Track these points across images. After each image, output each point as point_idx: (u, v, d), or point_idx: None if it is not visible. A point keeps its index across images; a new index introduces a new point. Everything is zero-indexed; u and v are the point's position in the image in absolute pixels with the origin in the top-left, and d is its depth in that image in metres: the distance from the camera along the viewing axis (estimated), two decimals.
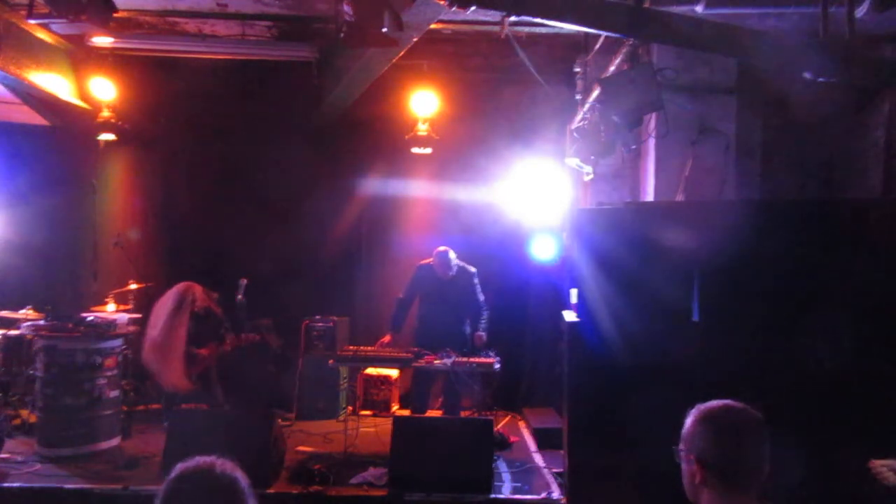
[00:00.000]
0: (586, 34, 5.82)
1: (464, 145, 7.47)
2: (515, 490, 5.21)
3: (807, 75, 4.45)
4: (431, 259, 6.46)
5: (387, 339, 6.38)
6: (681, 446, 1.91)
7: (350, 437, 6.03)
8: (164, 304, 6.28)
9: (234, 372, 6.69)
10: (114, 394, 5.90)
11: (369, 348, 6.26)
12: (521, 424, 7.14)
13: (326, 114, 7.53)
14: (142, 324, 6.48)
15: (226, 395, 6.57)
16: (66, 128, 7.59)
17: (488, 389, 6.24)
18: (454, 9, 4.25)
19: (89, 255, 7.78)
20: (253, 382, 6.82)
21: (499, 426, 6.44)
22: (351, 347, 6.37)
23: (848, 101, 6.09)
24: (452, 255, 6.40)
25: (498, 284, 7.12)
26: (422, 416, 6.30)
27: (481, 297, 6.52)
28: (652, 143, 5.94)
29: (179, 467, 1.67)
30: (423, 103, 6.97)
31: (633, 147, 5.71)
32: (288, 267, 7.44)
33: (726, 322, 4.27)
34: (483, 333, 6.36)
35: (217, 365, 6.58)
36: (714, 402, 1.89)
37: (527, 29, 5.89)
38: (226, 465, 1.68)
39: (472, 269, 6.54)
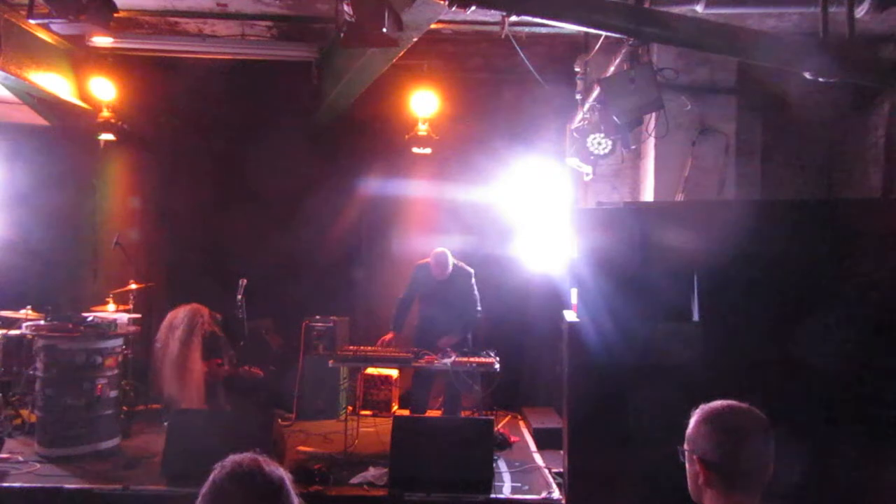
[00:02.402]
0: (586, 34, 5.83)
1: (464, 145, 7.47)
2: (515, 490, 5.21)
3: (807, 75, 4.45)
4: (429, 259, 6.45)
5: (388, 336, 6.35)
6: (685, 446, 1.91)
7: (350, 437, 6.03)
8: (174, 328, 6.29)
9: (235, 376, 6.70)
10: (114, 394, 5.89)
11: (369, 348, 6.25)
12: (521, 424, 7.15)
13: (326, 114, 7.53)
14: (152, 345, 6.48)
15: (227, 396, 6.56)
16: (66, 128, 7.59)
17: (488, 389, 6.24)
18: (454, 9, 4.25)
19: (89, 255, 7.79)
20: (253, 384, 6.81)
21: (499, 426, 6.44)
22: (351, 347, 6.36)
23: (848, 101, 6.10)
24: (450, 256, 6.39)
25: (498, 284, 7.12)
26: (422, 416, 6.30)
27: (476, 297, 6.48)
28: (652, 143, 5.94)
29: (227, 467, 1.64)
30: (423, 103, 6.97)
31: (633, 147, 5.71)
32: (288, 267, 7.44)
33: (726, 322, 4.27)
34: (454, 338, 6.21)
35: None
36: (718, 403, 1.89)
37: (527, 29, 5.89)
38: (270, 463, 1.67)
39: (470, 270, 6.52)
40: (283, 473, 1.67)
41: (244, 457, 1.66)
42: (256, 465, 1.64)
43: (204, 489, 1.63)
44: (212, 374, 6.46)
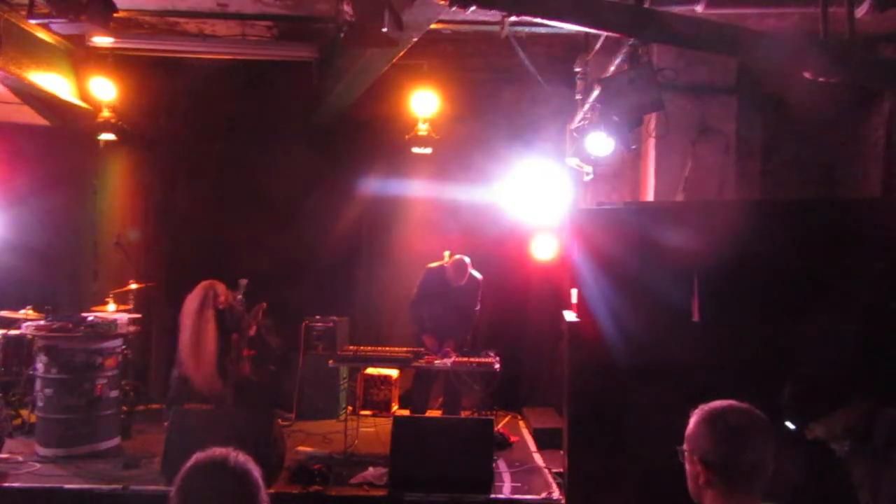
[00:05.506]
0: (586, 34, 5.82)
1: (464, 145, 7.46)
2: (515, 490, 5.21)
3: (807, 75, 4.44)
4: (442, 263, 6.42)
5: (431, 342, 6.28)
6: (684, 446, 1.91)
7: (350, 437, 6.03)
8: (189, 307, 6.14)
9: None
10: (114, 394, 5.90)
11: (369, 348, 6.25)
12: (521, 424, 7.15)
13: (326, 114, 7.53)
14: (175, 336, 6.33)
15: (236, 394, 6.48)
16: (66, 128, 7.59)
17: (488, 389, 6.24)
18: (454, 9, 4.24)
19: (89, 255, 7.79)
20: (253, 382, 6.80)
21: (499, 426, 6.44)
22: (351, 347, 6.36)
23: (848, 101, 6.09)
24: (469, 264, 6.36)
25: (498, 284, 7.11)
26: (422, 416, 6.30)
27: (478, 307, 6.53)
28: (652, 143, 5.94)
29: (194, 459, 1.68)
30: (423, 103, 6.97)
31: (633, 147, 5.71)
32: (288, 267, 7.44)
33: (726, 322, 4.27)
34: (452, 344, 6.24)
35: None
36: (717, 403, 1.89)
37: (527, 29, 5.88)
38: (238, 457, 1.70)
39: (480, 278, 6.50)
40: (251, 467, 1.70)
41: (215, 450, 1.71)
42: (224, 457, 1.68)
43: (176, 479, 1.67)
44: (234, 366, 6.21)
